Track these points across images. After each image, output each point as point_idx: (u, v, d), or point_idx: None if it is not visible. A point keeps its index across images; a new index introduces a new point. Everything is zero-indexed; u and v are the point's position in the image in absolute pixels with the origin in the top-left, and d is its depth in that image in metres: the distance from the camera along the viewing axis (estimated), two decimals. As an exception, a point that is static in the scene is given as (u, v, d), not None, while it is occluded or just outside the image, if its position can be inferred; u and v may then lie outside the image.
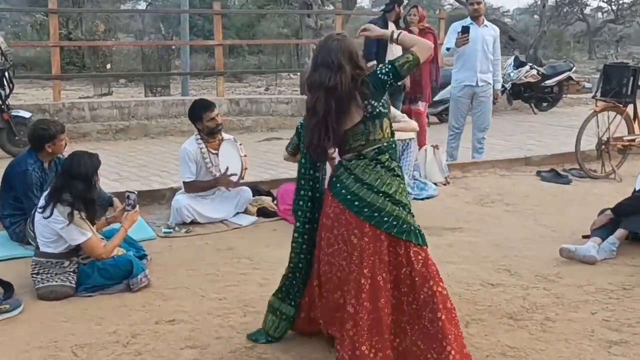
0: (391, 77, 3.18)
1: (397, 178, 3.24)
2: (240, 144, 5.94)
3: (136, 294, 4.21)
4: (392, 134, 3.29)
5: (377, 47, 7.52)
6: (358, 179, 3.19)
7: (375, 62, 7.03)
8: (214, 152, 5.75)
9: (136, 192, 4.72)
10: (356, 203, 3.17)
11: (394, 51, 7.63)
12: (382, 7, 8.47)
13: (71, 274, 4.20)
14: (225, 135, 5.96)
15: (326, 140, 3.19)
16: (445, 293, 3.17)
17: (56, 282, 4.15)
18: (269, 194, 6.33)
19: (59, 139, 5.00)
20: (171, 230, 5.52)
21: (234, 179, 5.75)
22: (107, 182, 6.33)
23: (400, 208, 3.18)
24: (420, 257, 3.17)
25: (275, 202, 6.09)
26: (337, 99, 3.12)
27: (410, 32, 7.35)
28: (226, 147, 5.79)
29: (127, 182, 6.82)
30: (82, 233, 4.15)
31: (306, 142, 3.29)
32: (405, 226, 3.16)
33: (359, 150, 3.22)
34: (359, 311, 3.10)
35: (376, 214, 3.14)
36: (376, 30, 3.49)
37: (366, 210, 3.14)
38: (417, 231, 3.19)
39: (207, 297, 4.17)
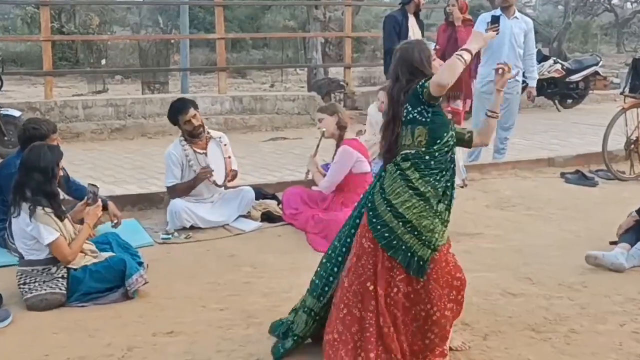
0: (421, 90, 3.30)
1: (411, 191, 3.27)
2: (225, 144, 5.96)
3: (132, 304, 4.22)
4: (429, 146, 3.31)
5: (398, 37, 7.55)
6: (381, 182, 3.36)
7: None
8: (201, 152, 5.78)
9: (97, 186, 4.72)
10: (369, 204, 3.36)
11: (414, 36, 7.66)
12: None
13: (60, 280, 4.22)
14: (214, 133, 5.99)
15: (385, 147, 3.46)
16: (443, 322, 3.31)
17: (45, 290, 4.17)
18: (274, 197, 6.34)
19: (51, 139, 5.01)
20: (170, 236, 5.53)
21: (219, 181, 5.77)
22: (102, 185, 6.33)
23: (399, 223, 3.25)
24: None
25: (280, 206, 6.09)
26: (394, 108, 3.40)
27: (452, 24, 7.44)
28: (212, 147, 5.84)
29: (123, 184, 6.85)
30: (50, 232, 4.16)
31: None
32: (395, 242, 3.25)
33: (397, 154, 3.38)
34: (365, 317, 3.26)
35: (374, 220, 3.29)
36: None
37: (371, 213, 3.32)
38: (409, 253, 3.24)
39: (207, 308, 4.18)
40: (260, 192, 6.29)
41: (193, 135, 5.75)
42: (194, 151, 5.75)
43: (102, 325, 3.93)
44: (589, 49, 27.07)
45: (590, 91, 13.36)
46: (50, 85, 10.32)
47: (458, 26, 7.56)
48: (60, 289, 4.21)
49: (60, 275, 4.23)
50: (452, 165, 3.41)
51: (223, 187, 5.91)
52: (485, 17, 7.53)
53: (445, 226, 3.36)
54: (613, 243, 5.08)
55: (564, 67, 12.71)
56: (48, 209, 4.20)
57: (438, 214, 3.30)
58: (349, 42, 12.25)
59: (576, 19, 28.00)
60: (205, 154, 5.76)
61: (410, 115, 3.33)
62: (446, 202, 3.35)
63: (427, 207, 3.27)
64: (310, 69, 14.18)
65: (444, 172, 3.34)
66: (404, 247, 3.24)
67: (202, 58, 20.61)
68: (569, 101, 12.91)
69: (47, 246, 4.18)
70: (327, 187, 5.77)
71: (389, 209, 3.26)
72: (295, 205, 5.88)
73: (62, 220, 4.30)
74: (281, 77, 19.19)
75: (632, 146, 7.55)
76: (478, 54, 7.75)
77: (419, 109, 3.32)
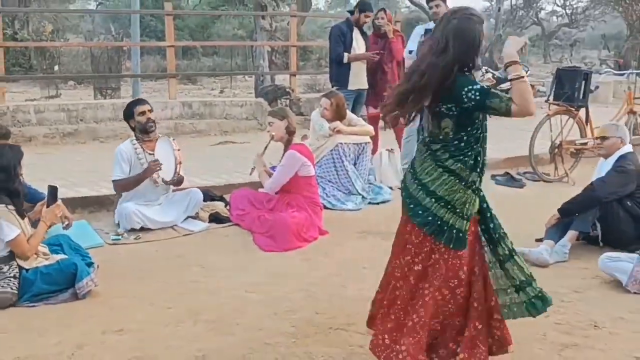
0: (475, 96, 3.10)
1: (441, 169, 3.17)
2: (174, 139, 5.96)
3: (82, 303, 4.12)
4: (457, 133, 3.16)
5: (343, 47, 7.59)
6: (413, 164, 3.33)
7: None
8: (150, 152, 5.72)
9: (57, 186, 4.61)
10: (403, 192, 3.32)
11: (358, 46, 7.71)
12: (339, 9, 8.52)
13: (12, 279, 4.10)
14: (161, 137, 5.96)
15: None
16: (431, 303, 3.09)
17: (-4, 289, 4.05)
18: (221, 199, 6.29)
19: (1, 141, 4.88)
20: (120, 237, 5.43)
21: (167, 177, 5.70)
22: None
23: (432, 200, 3.13)
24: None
25: (228, 207, 6.05)
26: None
27: (384, 35, 7.56)
28: (159, 145, 5.79)
29: (75, 187, 6.68)
30: (12, 229, 4.07)
31: None
32: (430, 219, 3.13)
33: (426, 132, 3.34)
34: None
35: (408, 200, 3.25)
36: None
37: (404, 195, 3.29)
38: (445, 227, 3.08)
39: (156, 306, 4.11)
40: (208, 194, 6.23)
41: (145, 131, 5.69)
42: (144, 150, 5.69)
43: (51, 324, 3.83)
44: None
45: (519, 99, 13.61)
46: (3, 91, 10.06)
47: (391, 38, 7.64)
48: (12, 288, 4.08)
49: (12, 275, 4.10)
50: (483, 134, 3.22)
51: (171, 185, 5.83)
52: (419, 30, 7.60)
53: (478, 194, 3.17)
54: (539, 240, 5.18)
55: (495, 76, 12.87)
56: (10, 207, 4.11)
57: (469, 184, 3.13)
58: (295, 51, 12.24)
59: (506, 31, 28.51)
60: (153, 154, 5.70)
61: (438, 109, 3.11)
62: (478, 169, 3.16)
63: (457, 181, 3.10)
64: (258, 76, 14.12)
65: (474, 146, 3.15)
66: (439, 222, 3.07)
67: (154, 65, 20.39)
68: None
69: (8, 242, 4.08)
70: (271, 187, 5.75)
71: (419, 187, 3.13)
72: (242, 206, 5.84)
73: (23, 219, 4.20)
74: (230, 83, 19.11)
75: (556, 150, 7.69)
76: (404, 63, 7.86)
77: (448, 105, 3.08)
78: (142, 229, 5.57)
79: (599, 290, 4.42)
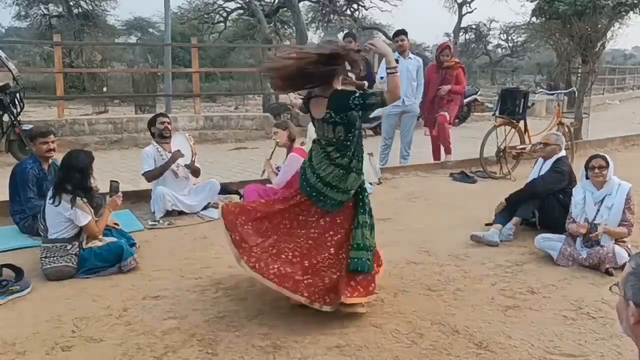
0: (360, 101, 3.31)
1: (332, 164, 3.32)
2: (189, 135, 5.96)
3: (126, 275, 4.12)
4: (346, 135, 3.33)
5: None
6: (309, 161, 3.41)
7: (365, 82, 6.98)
8: (169, 151, 5.74)
9: (119, 181, 4.61)
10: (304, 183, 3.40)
11: None
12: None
13: (73, 256, 4.10)
14: (177, 132, 5.99)
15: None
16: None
17: (61, 263, 4.05)
18: (237, 192, 6.27)
19: (38, 141, 4.88)
20: (156, 223, 5.43)
21: (185, 160, 5.70)
22: (104, 184, 6.16)
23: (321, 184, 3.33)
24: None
25: (242, 199, 6.03)
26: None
27: (443, 67, 7.76)
28: (175, 139, 5.80)
29: (120, 184, 6.64)
30: (85, 216, 4.09)
31: None
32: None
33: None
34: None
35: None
36: (381, 48, 3.42)
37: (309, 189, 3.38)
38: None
39: (185, 277, 4.11)
40: (226, 188, 6.22)
41: (161, 135, 5.72)
42: (164, 149, 5.73)
43: (103, 292, 3.83)
44: (471, 82, 27.64)
45: (472, 113, 13.68)
46: (62, 108, 10.02)
47: (449, 70, 7.86)
48: (73, 264, 4.08)
49: (73, 253, 4.10)
50: (360, 136, 3.41)
51: (191, 176, 5.81)
52: None
53: (360, 174, 3.40)
54: (488, 224, 5.19)
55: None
56: (84, 199, 4.12)
57: (352, 170, 3.33)
58: (294, 76, 12.22)
59: (461, 60, 28.59)
60: (169, 151, 5.72)
61: (333, 119, 3.29)
62: (358, 158, 3.37)
63: (342, 171, 3.30)
64: (265, 95, 14.11)
65: (355, 144, 3.36)
66: (331, 201, 3.34)
67: (182, 87, 20.27)
68: (457, 120, 13.16)
69: (83, 227, 4.11)
70: (278, 183, 5.74)
71: (318, 179, 3.33)
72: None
73: (92, 208, 4.22)
74: (243, 101, 19.03)
75: (501, 154, 7.70)
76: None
77: (341, 115, 3.27)
78: (174, 215, 5.56)
79: (535, 264, 4.44)
